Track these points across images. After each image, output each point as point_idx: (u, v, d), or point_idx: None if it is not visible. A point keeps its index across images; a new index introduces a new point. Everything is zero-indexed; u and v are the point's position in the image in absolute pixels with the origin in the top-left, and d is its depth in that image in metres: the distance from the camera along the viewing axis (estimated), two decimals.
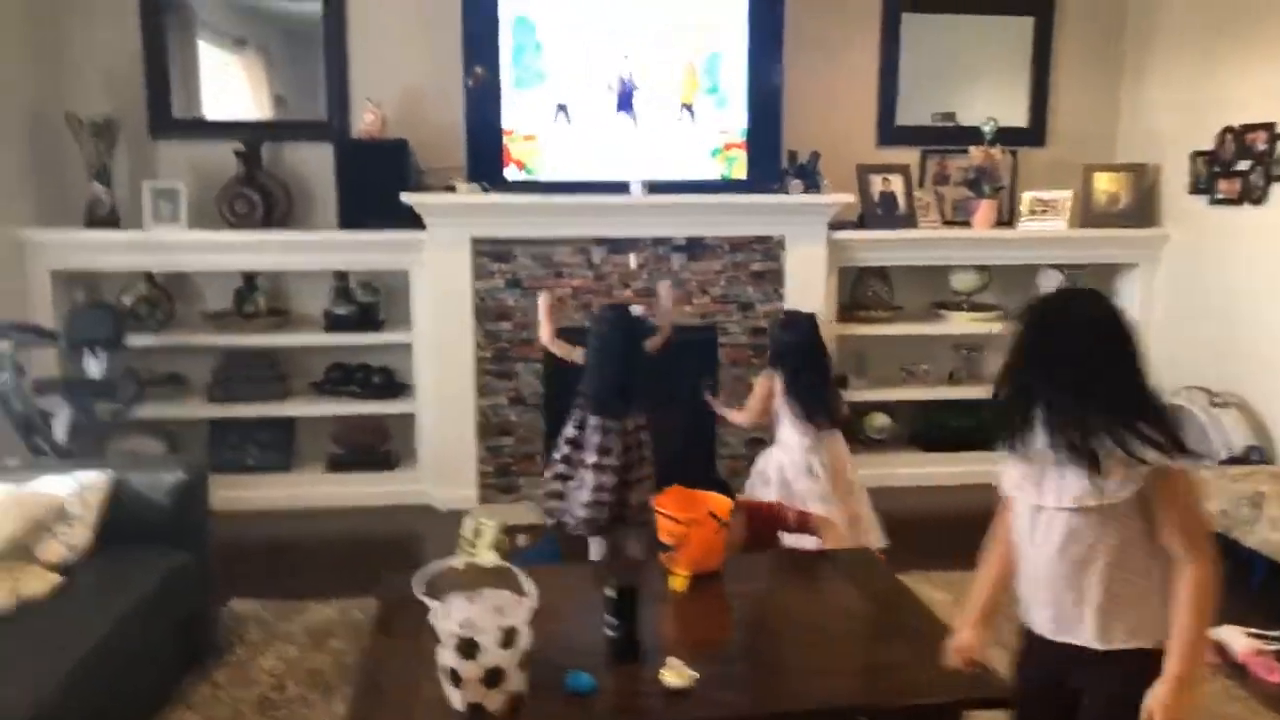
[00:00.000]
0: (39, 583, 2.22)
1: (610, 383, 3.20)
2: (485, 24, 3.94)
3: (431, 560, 1.90)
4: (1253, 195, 3.86)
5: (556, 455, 3.28)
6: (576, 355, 3.30)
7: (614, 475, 3.16)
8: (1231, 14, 3.97)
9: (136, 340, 3.93)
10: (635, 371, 3.26)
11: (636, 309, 3.34)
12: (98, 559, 2.41)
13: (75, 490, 2.45)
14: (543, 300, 3.42)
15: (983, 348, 4.68)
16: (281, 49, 4.34)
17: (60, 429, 3.21)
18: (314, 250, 4.08)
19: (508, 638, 1.72)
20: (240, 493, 4.03)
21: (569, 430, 3.26)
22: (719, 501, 2.40)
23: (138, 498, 2.58)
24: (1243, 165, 3.90)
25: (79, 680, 2.00)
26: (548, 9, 3.98)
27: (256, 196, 4.03)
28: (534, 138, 4.03)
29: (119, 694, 2.19)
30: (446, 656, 1.72)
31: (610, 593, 1.93)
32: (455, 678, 1.72)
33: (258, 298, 4.20)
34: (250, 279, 4.21)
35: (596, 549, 3.31)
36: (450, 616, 1.81)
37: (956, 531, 3.86)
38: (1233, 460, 3.61)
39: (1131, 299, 4.53)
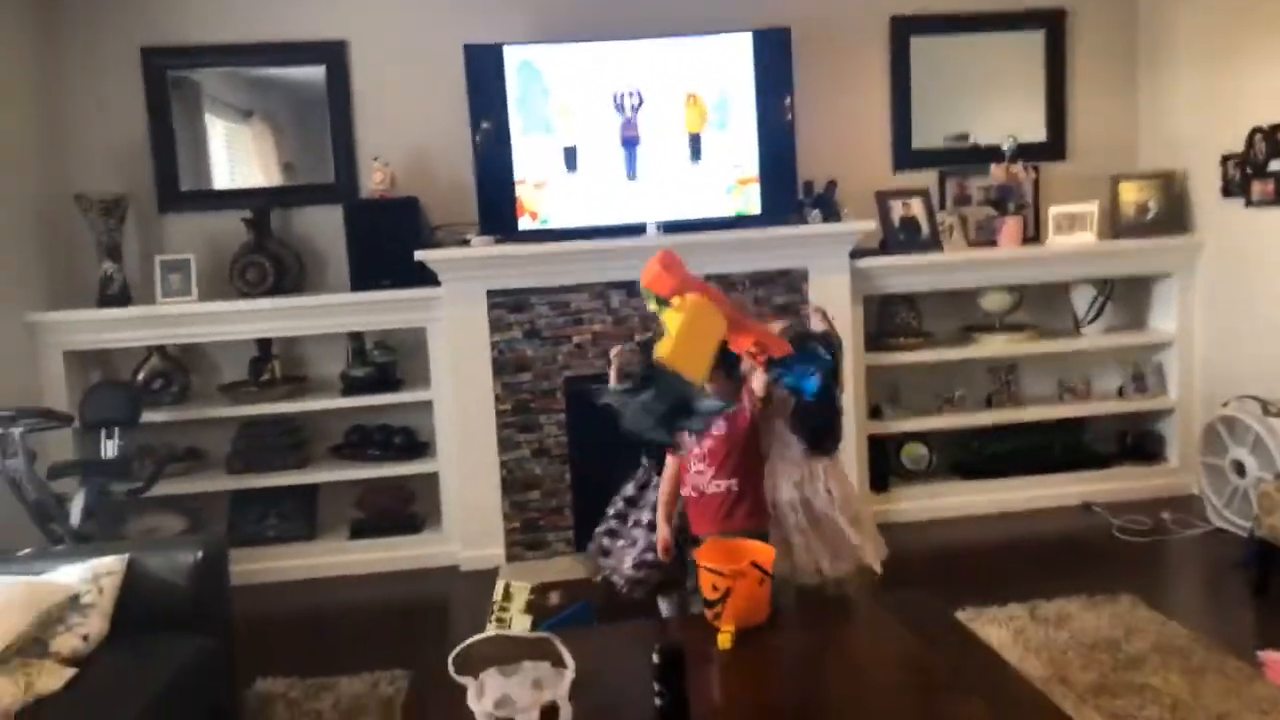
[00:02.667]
0: (52, 678, 2.10)
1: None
2: (490, 73, 3.90)
3: (460, 624, 1.79)
4: None
5: (610, 511, 3.08)
6: None
7: None
8: (1248, 8, 3.87)
9: (152, 416, 3.86)
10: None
11: None
12: (114, 648, 2.30)
13: (89, 577, 2.35)
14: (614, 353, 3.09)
15: (1019, 368, 4.53)
16: (289, 117, 4.32)
17: (76, 513, 3.12)
18: (327, 314, 4.01)
19: (548, 716, 1.59)
20: (263, 565, 3.93)
21: (629, 489, 3.06)
22: (762, 551, 2.27)
23: (155, 580, 2.47)
24: (1276, 165, 3.77)
25: None
26: (552, 54, 3.94)
27: (267, 263, 3.97)
28: (544, 185, 3.97)
29: None
30: None
31: (656, 657, 1.80)
32: None
33: (273, 365, 4.13)
34: (265, 347, 4.14)
35: (666, 607, 3.11)
36: (485, 694, 1.69)
37: (1007, 562, 3.75)
38: None
39: (1168, 309, 4.39)
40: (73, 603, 2.27)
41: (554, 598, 3.22)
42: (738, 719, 1.72)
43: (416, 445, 4.21)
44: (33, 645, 2.17)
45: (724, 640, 2.11)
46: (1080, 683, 2.76)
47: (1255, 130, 3.85)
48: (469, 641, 1.76)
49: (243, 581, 3.78)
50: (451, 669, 1.66)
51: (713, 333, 2.10)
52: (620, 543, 3.04)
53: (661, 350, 1.99)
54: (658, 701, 1.79)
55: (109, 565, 2.41)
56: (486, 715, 1.58)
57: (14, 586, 2.18)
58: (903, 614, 2.24)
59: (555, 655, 1.71)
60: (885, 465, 4.39)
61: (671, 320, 2.08)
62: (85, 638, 2.25)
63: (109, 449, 3.41)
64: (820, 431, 2.96)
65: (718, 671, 2.04)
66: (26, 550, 2.65)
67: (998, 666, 2.00)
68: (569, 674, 1.66)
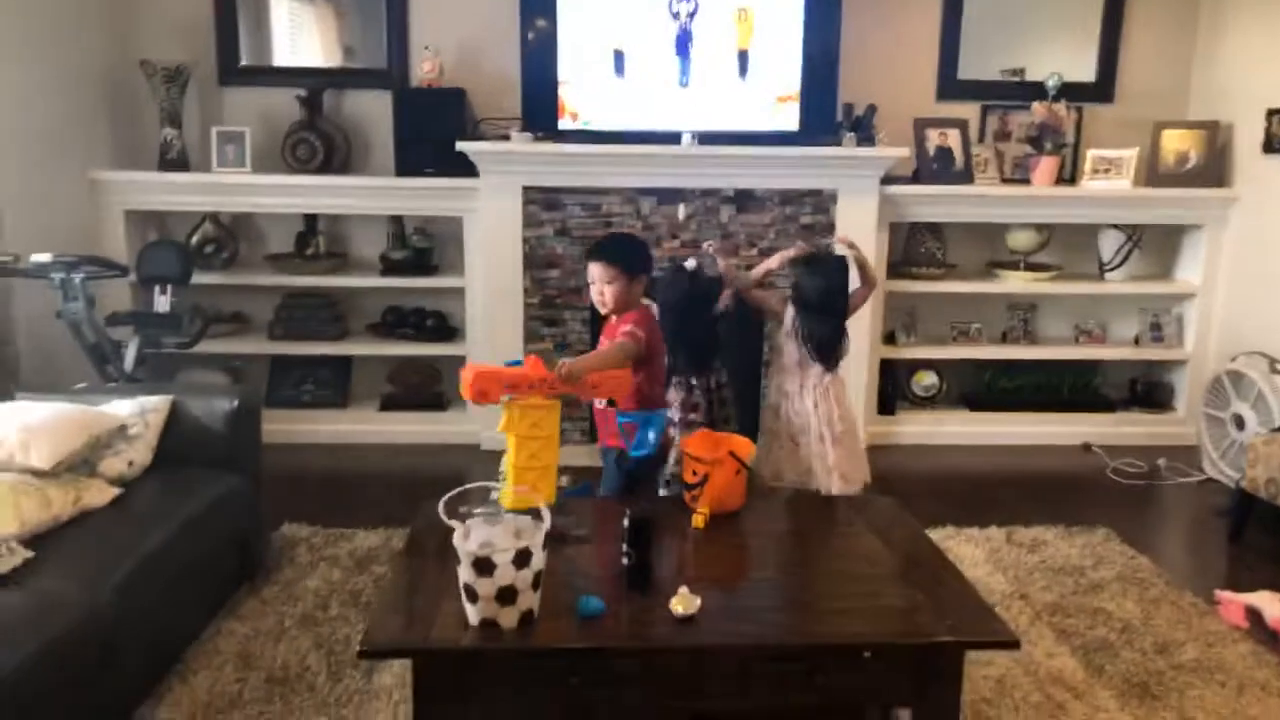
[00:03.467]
0: (99, 495, 2.38)
1: (679, 345, 3.18)
2: None
3: (473, 494, 2.01)
4: None
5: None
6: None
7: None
8: None
9: (203, 278, 4.11)
10: (701, 331, 3.03)
11: (690, 263, 3.27)
12: (155, 477, 2.57)
13: (137, 411, 2.61)
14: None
15: (1038, 307, 4.60)
16: (352, 0, 4.42)
17: (129, 359, 3.39)
18: (371, 195, 4.19)
19: (521, 558, 1.80)
20: (298, 426, 4.22)
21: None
22: (741, 444, 2.45)
23: (195, 422, 2.73)
24: None
25: (134, 584, 2.15)
26: None
27: (317, 142, 4.15)
28: (588, 87, 4.05)
29: (171, 600, 2.35)
30: (464, 574, 1.82)
31: (626, 523, 2.00)
32: (471, 594, 1.81)
33: (318, 240, 4.34)
34: (311, 222, 4.35)
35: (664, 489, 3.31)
36: (470, 537, 1.91)
37: (997, 491, 3.90)
38: None
39: (1196, 261, 4.41)
40: (121, 432, 2.54)
41: (562, 479, 3.45)
42: (693, 582, 1.91)
43: (447, 329, 4.43)
44: (82, 465, 2.44)
45: (698, 520, 2.31)
46: (1039, 600, 2.93)
47: None
48: (461, 489, 1.98)
49: (278, 440, 4.07)
50: (442, 512, 1.87)
51: (545, 450, 2.24)
52: None
53: (504, 502, 2.16)
54: (625, 561, 2.00)
55: (155, 403, 2.67)
56: (468, 554, 1.80)
57: (70, 411, 2.44)
58: (868, 517, 2.42)
59: (538, 513, 1.92)
60: (895, 390, 4.52)
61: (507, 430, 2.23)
62: (130, 464, 2.52)
63: (161, 304, 3.66)
64: (825, 345, 3.10)
65: (687, 545, 2.24)
66: (82, 385, 2.92)
67: (945, 569, 2.17)
68: (545, 526, 1.87)
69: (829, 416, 3.02)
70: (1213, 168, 4.30)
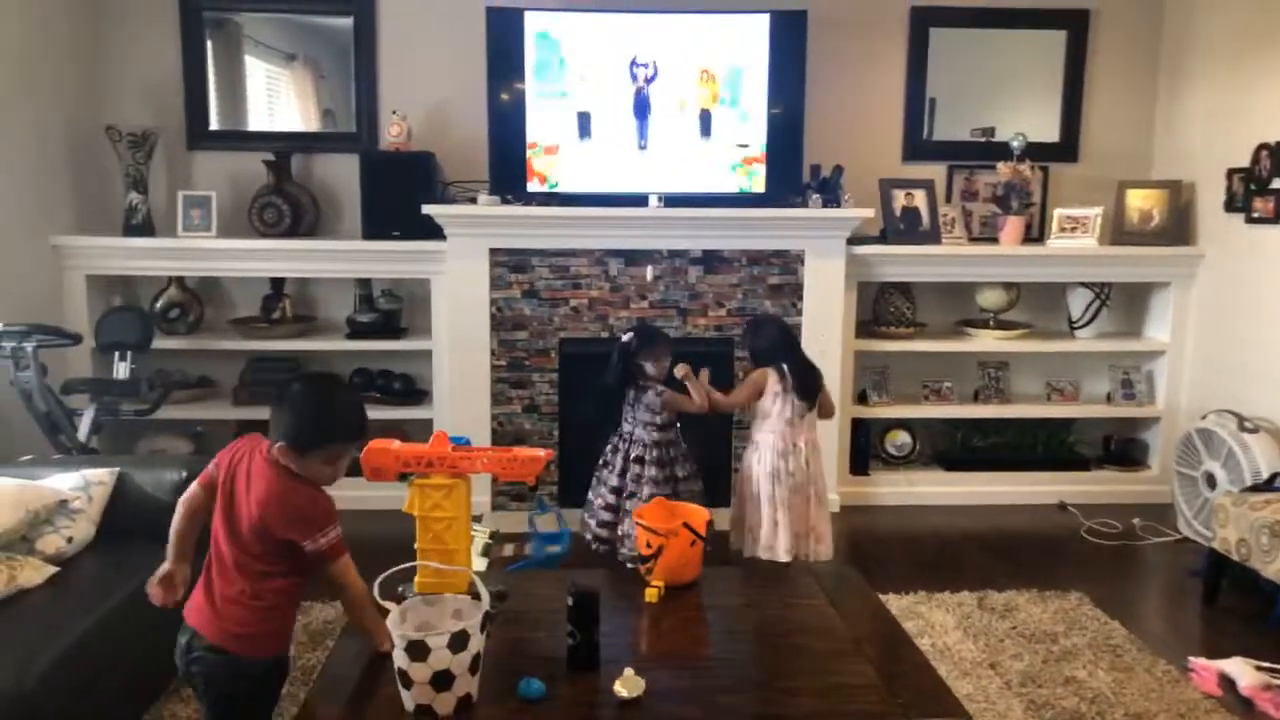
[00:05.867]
0: (35, 573, 2.31)
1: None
2: (510, 36, 4.00)
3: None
4: None
5: (604, 489, 3.32)
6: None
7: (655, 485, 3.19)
8: (1271, 24, 3.85)
9: (167, 343, 4.08)
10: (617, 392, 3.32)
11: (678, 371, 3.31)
12: (98, 552, 2.50)
13: (79, 485, 2.55)
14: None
15: (1009, 366, 4.59)
16: (333, 64, 4.45)
17: (84, 428, 3.33)
18: (338, 259, 4.18)
19: (457, 641, 1.74)
20: None
21: (606, 452, 3.36)
22: (696, 514, 2.41)
23: (143, 494, 2.67)
24: (1278, 183, 3.77)
25: (65, 668, 2.07)
26: (571, 21, 4.02)
27: (284, 205, 4.14)
28: (556, 150, 4.07)
29: (106, 684, 2.26)
30: (398, 658, 1.75)
31: (570, 600, 1.94)
32: (405, 679, 1.75)
33: (284, 303, 4.31)
34: (278, 285, 4.33)
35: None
36: (407, 619, 1.85)
37: (971, 553, 3.85)
38: (1256, 487, 3.48)
39: (1164, 319, 4.42)
40: (61, 507, 2.48)
41: (509, 549, 3.40)
42: (643, 660, 1.85)
43: (414, 392, 4.38)
44: (20, 542, 2.38)
45: (651, 594, 2.26)
46: (1009, 669, 2.87)
47: (1262, 146, 3.85)
48: (394, 570, 1.92)
49: None
50: (376, 593, 1.82)
51: (448, 532, 2.08)
52: (595, 500, 3.31)
53: (420, 588, 2.07)
54: (569, 642, 1.94)
55: (100, 476, 2.61)
56: (401, 637, 1.74)
57: (6, 487, 2.38)
58: (826, 587, 2.36)
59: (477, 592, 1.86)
60: (868, 449, 4.49)
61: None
62: (70, 540, 2.45)
63: (121, 370, 3.62)
64: (808, 379, 3.22)
65: (639, 621, 2.18)
66: (27, 457, 2.86)
67: (900, 641, 2.12)
68: (483, 606, 1.81)
69: (818, 473, 3.10)
70: (1177, 226, 4.33)
